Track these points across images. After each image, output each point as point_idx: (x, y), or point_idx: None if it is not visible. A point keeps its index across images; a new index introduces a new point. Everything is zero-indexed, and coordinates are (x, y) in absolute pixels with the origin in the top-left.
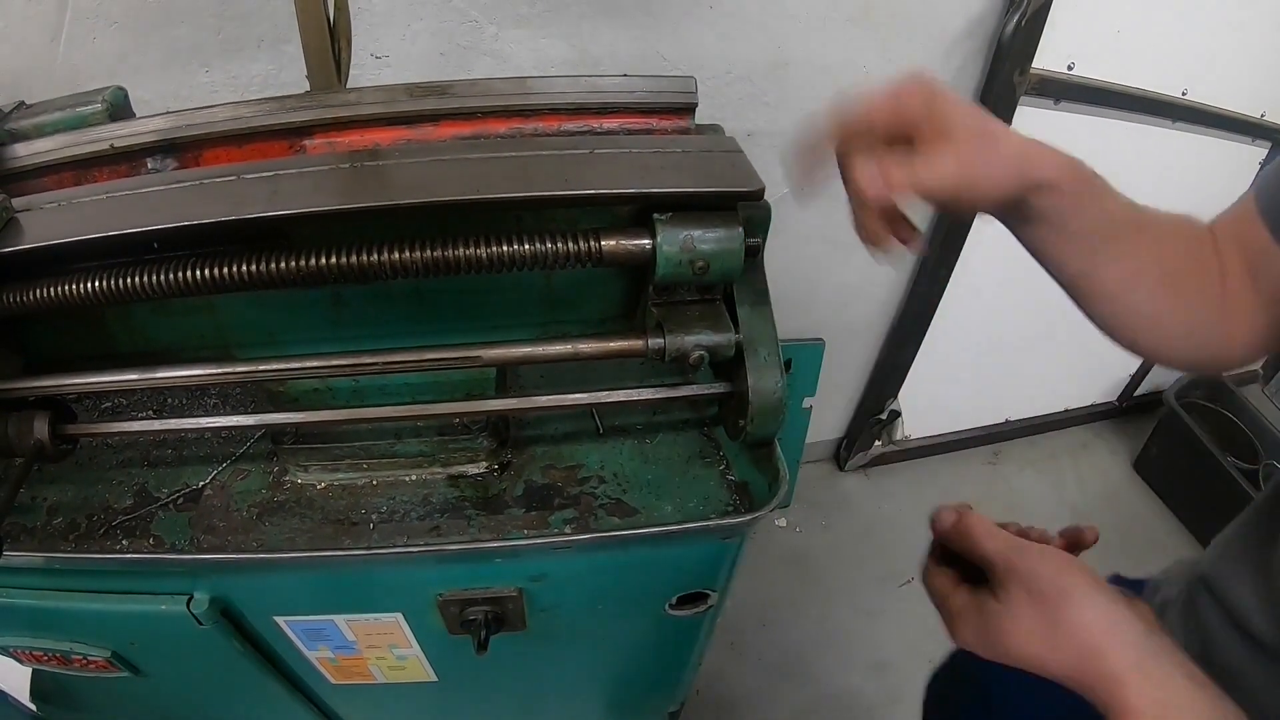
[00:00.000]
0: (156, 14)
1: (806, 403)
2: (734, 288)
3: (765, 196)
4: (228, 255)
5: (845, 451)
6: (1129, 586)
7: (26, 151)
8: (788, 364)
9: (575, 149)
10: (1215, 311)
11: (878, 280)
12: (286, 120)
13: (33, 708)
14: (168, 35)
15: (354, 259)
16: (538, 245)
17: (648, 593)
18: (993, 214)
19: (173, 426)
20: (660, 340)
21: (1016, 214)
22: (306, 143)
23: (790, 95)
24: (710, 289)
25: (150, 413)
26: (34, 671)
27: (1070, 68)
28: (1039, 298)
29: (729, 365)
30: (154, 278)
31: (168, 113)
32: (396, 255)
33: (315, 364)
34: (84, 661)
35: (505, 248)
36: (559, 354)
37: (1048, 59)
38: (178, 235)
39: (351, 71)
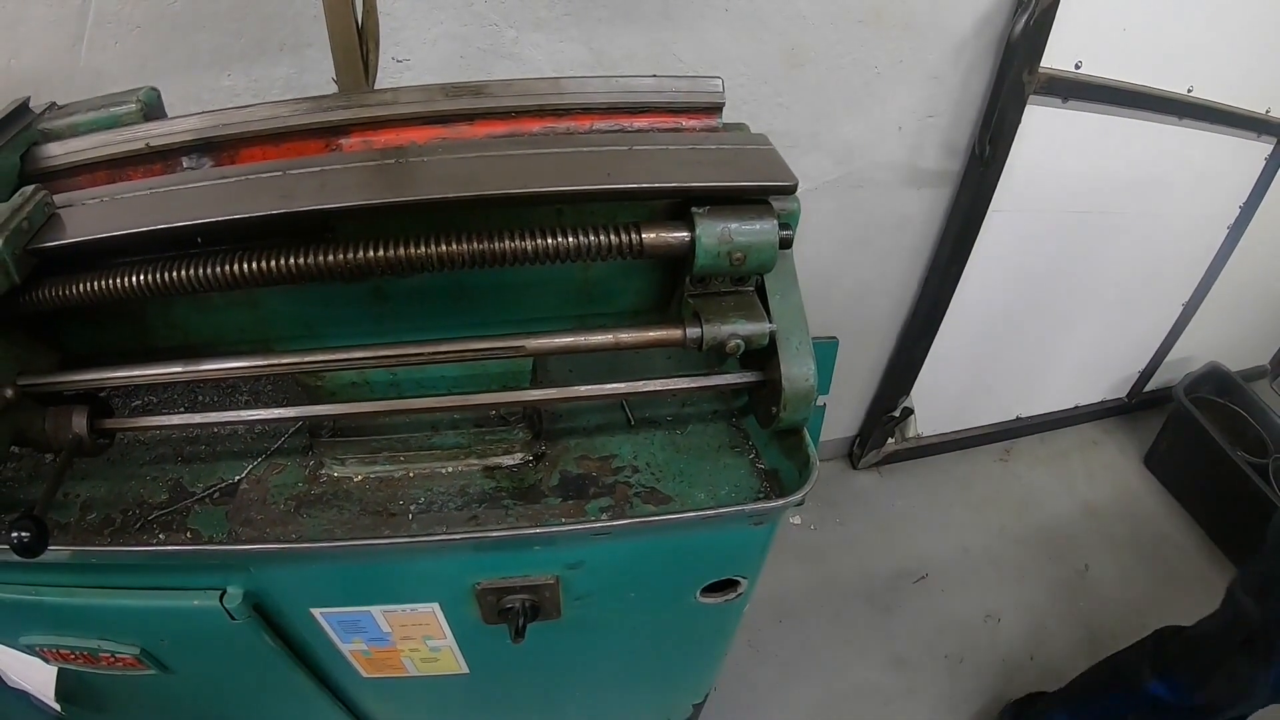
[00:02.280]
0: (178, 18)
1: (820, 401)
2: (765, 279)
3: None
4: (275, 249)
5: (858, 449)
6: None
7: (60, 151)
8: None
9: (614, 145)
10: None
11: (890, 279)
12: (323, 119)
13: (57, 708)
14: (189, 40)
15: (402, 251)
16: (581, 238)
17: (680, 580)
18: None
19: (215, 419)
20: (698, 330)
21: None
22: (343, 141)
23: (804, 96)
24: (744, 280)
25: (183, 410)
26: (59, 671)
27: (1078, 66)
28: (1048, 296)
29: (760, 355)
30: (203, 271)
31: (203, 112)
32: (445, 248)
33: (361, 354)
34: (112, 659)
35: (551, 240)
36: (600, 343)
37: (1056, 58)
38: (226, 229)
39: (377, 76)
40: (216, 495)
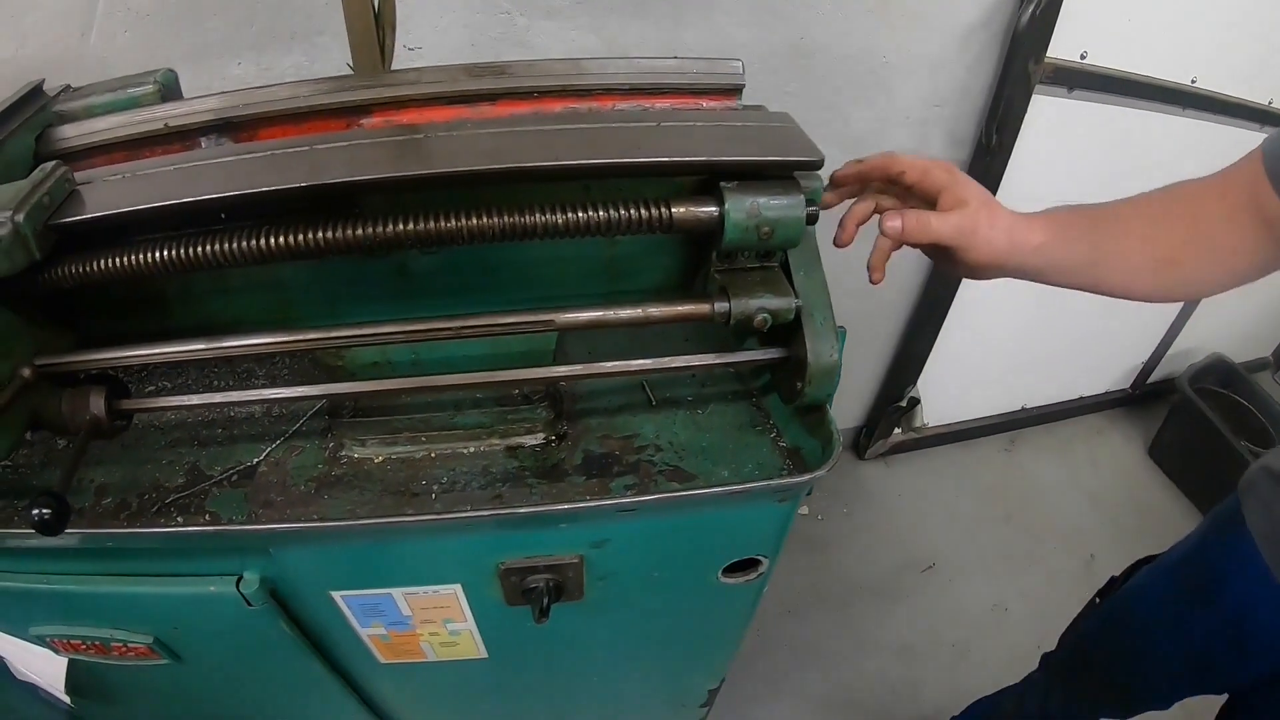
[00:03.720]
0: (187, 6)
1: None
2: (789, 256)
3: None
4: (300, 223)
5: (865, 439)
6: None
7: (76, 132)
8: None
9: (642, 121)
10: (1215, 265)
11: (897, 268)
12: (345, 99)
13: (67, 700)
14: (199, 28)
15: (432, 225)
16: (611, 212)
17: (703, 559)
18: (983, 273)
19: (235, 398)
20: (726, 304)
21: (1018, 275)
22: (364, 121)
23: (812, 85)
24: (769, 256)
25: (202, 390)
26: (70, 663)
27: (1083, 56)
28: (1053, 288)
29: (783, 331)
30: (227, 246)
31: (222, 93)
32: (475, 221)
33: (388, 329)
34: (124, 649)
35: (581, 214)
36: (630, 318)
37: (1062, 48)
38: (253, 202)
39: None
40: (235, 478)
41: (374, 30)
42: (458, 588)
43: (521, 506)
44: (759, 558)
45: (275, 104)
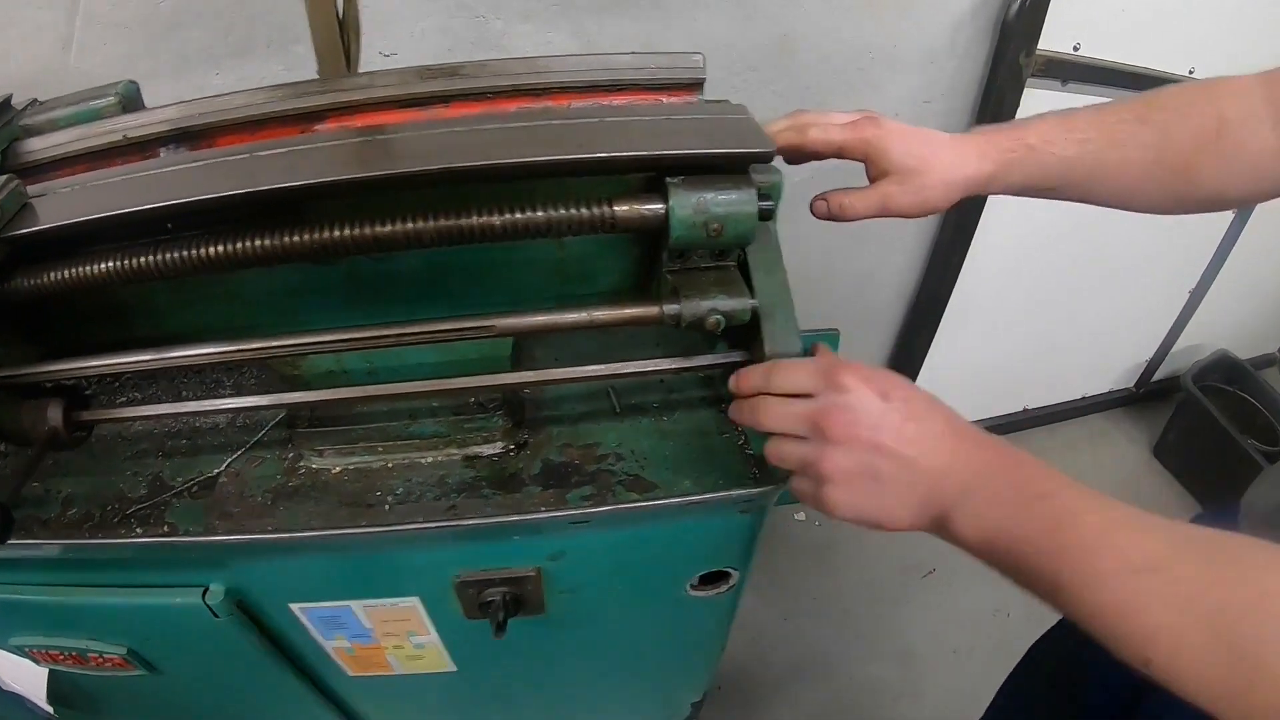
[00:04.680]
0: (167, 18)
1: None
2: (748, 255)
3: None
4: (239, 231)
5: None
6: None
7: (40, 145)
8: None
9: (585, 118)
10: (1241, 170)
11: (891, 267)
12: (299, 105)
13: (50, 710)
14: (178, 39)
15: (368, 230)
16: (551, 212)
17: (669, 572)
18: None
19: (188, 409)
20: (676, 306)
21: (998, 193)
22: (319, 127)
23: (797, 82)
24: (725, 254)
25: (159, 401)
26: (50, 673)
27: (1076, 48)
28: (1053, 284)
29: (746, 334)
30: (166, 256)
31: (180, 103)
32: (411, 225)
33: (331, 338)
34: (100, 660)
35: (519, 215)
36: (574, 322)
37: (1054, 40)
38: (190, 212)
39: (360, 69)
40: (195, 489)
41: (338, 35)
42: (416, 600)
43: (469, 519)
44: (728, 570)
45: (231, 112)
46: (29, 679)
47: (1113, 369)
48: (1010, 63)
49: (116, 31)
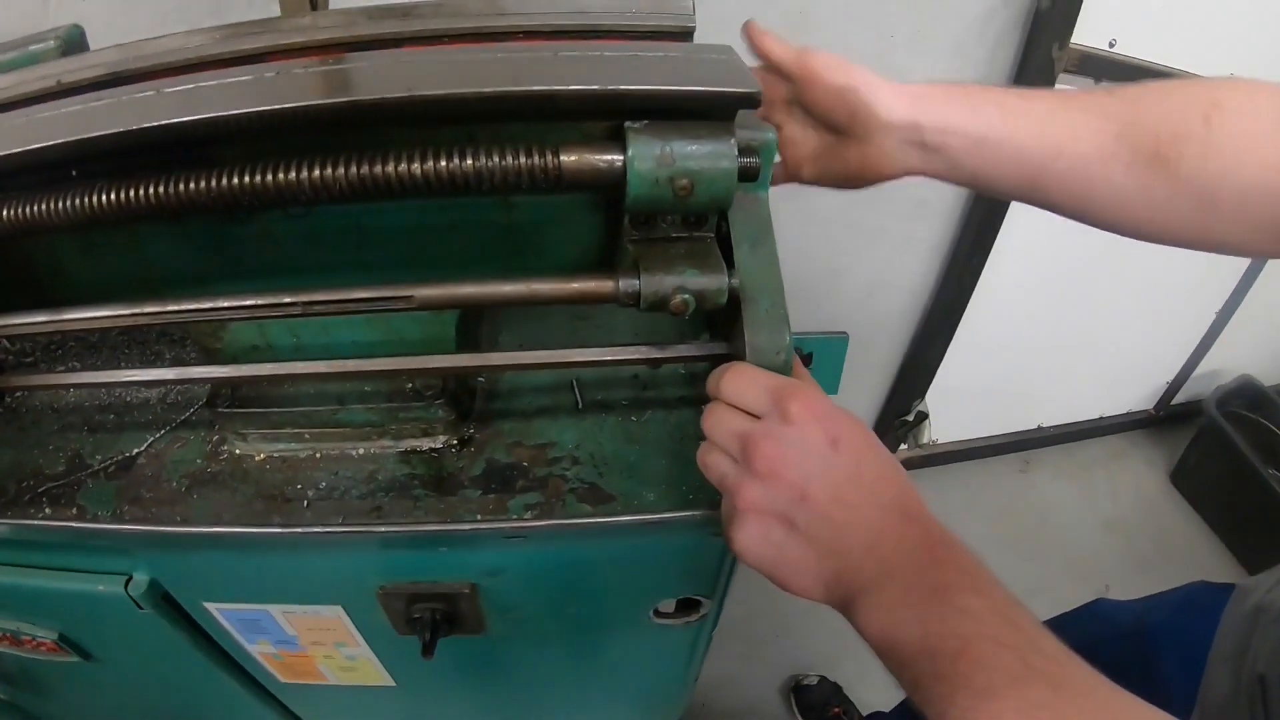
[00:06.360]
0: None
1: None
2: (731, 225)
3: None
4: (130, 177)
5: None
6: (1218, 592)
7: None
8: (808, 357)
9: (537, 53)
10: (1237, 167)
11: (906, 271)
12: (239, 48)
13: None
14: None
15: (260, 178)
16: (483, 160)
17: (628, 598)
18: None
19: (94, 380)
20: (635, 281)
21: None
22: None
23: None
24: (700, 222)
25: (64, 369)
26: None
27: (1111, 45)
28: (1075, 297)
29: (728, 322)
30: (48, 205)
31: (118, 46)
32: (316, 173)
33: (226, 304)
34: (34, 643)
35: (444, 163)
36: (510, 295)
37: (1088, 34)
38: (74, 151)
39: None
40: (112, 469)
41: None
42: (340, 610)
43: (391, 523)
44: (697, 598)
45: (167, 56)
46: None
47: (1132, 389)
48: (1042, 56)
49: None
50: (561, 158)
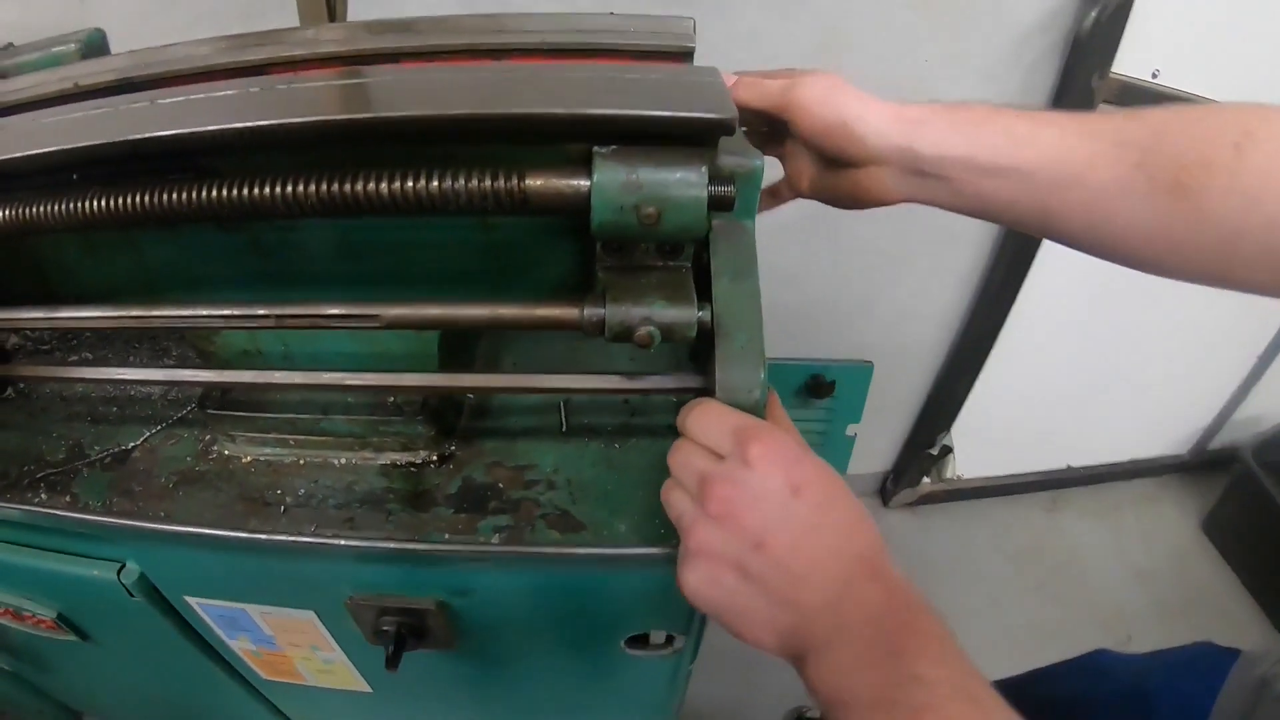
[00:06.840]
0: None
1: (851, 430)
2: (713, 255)
3: None
4: (120, 186)
5: (891, 485)
6: (1223, 657)
7: (2, 89)
8: (831, 385)
9: (515, 74)
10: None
11: (935, 301)
12: (243, 59)
13: None
14: None
15: (236, 192)
16: (449, 182)
17: (599, 627)
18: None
19: (73, 375)
20: (600, 310)
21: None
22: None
23: None
24: (675, 251)
25: (65, 364)
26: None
27: (1155, 76)
28: (1110, 334)
29: (705, 355)
30: (49, 208)
31: (131, 52)
32: (290, 189)
33: (205, 312)
34: (35, 620)
35: (410, 184)
36: (475, 318)
37: (1130, 64)
38: (56, 160)
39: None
40: (108, 461)
41: None
42: (312, 615)
43: (359, 535)
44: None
45: (175, 64)
46: None
47: (1166, 433)
48: (1080, 84)
49: None
50: (527, 182)
